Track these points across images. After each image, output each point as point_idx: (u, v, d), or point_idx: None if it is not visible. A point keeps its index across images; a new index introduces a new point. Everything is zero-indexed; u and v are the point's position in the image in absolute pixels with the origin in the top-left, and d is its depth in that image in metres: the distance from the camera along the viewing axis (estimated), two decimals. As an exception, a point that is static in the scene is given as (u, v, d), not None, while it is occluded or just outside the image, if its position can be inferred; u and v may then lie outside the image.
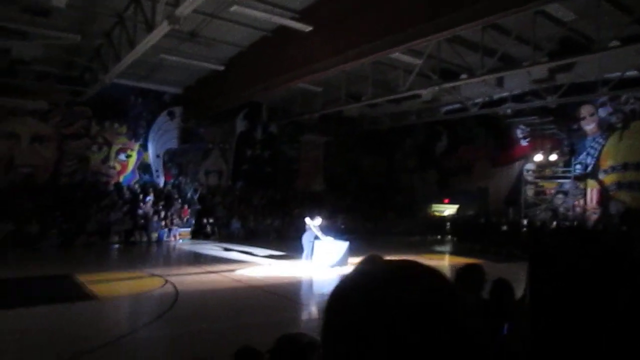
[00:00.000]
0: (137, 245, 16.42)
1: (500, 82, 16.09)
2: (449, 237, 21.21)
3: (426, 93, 14.43)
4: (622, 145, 18.18)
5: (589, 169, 19.21)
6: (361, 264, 0.89)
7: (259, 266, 12.73)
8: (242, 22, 12.29)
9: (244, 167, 22.66)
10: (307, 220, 12.90)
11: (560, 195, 20.22)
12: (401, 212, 23.59)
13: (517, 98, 17.28)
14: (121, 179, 19.19)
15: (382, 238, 19.05)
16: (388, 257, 2.35)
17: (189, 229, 18.42)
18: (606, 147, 18.71)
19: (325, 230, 13.27)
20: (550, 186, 20.81)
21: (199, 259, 14.31)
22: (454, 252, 17.33)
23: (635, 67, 14.01)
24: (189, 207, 18.99)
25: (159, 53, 13.91)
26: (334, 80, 15.80)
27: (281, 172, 23.72)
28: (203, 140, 21.46)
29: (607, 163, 18.61)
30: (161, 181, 20.24)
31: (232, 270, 11.83)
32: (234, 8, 10.95)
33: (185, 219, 18.51)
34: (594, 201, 18.93)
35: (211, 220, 19.21)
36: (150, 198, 18.18)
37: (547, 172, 20.84)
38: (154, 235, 17.13)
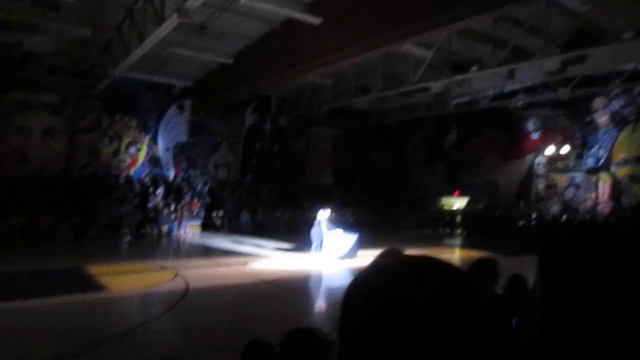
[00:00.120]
0: (148, 238, 16.56)
1: (511, 75, 15.88)
2: (459, 230, 21.13)
3: (436, 86, 14.33)
4: (635, 138, 17.95)
5: (601, 162, 18.99)
6: (379, 257, 0.89)
7: (268, 259, 12.78)
8: (251, 14, 12.26)
9: (253, 161, 22.71)
10: (320, 213, 12.91)
11: (571, 189, 20.03)
12: (410, 206, 23.54)
13: (528, 90, 17.09)
14: (131, 172, 19.33)
15: (391, 231, 19.02)
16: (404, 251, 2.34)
17: (199, 222, 18.54)
18: (619, 140, 18.49)
19: (335, 223, 13.29)
20: (561, 179, 20.61)
21: (208, 252, 14.40)
22: (464, 246, 17.28)
23: (650, 59, 13.80)
24: (198, 200, 19.10)
25: (169, 46, 13.94)
26: (343, 73, 15.73)
27: (290, 166, 23.74)
28: (212, 134, 21.52)
29: (619, 156, 18.39)
30: (171, 174, 20.36)
31: (242, 263, 11.89)
32: (243, 1, 10.92)
33: (194, 212, 18.62)
34: (606, 195, 18.72)
35: (220, 213, 19.31)
36: (160, 191, 18.30)
37: (559, 165, 20.64)
38: (164, 228, 17.26)
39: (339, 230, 12.78)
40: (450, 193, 23.69)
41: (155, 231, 17.05)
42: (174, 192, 18.90)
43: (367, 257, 11.48)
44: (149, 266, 11.21)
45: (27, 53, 14.70)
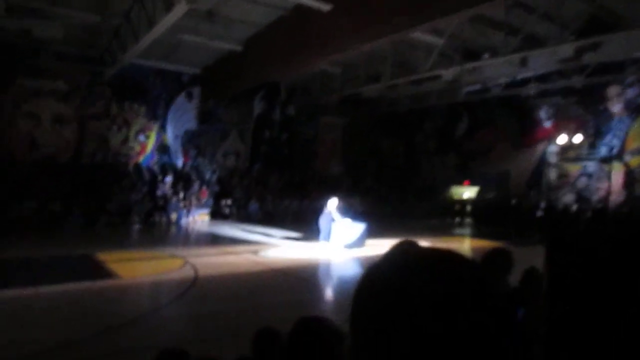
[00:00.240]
0: (157, 226, 16.65)
1: (524, 62, 15.66)
2: (469, 219, 21.01)
3: (447, 74, 14.16)
4: (649, 127, 17.67)
5: (615, 151, 18.73)
6: (392, 249, 0.86)
7: (277, 247, 12.80)
8: (259, 1, 12.15)
9: (262, 149, 22.68)
10: (329, 202, 12.88)
11: (583, 178, 19.79)
12: (420, 195, 23.43)
13: (541, 78, 16.84)
14: (140, 160, 19.38)
15: (401, 220, 18.96)
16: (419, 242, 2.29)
17: (208, 210, 18.60)
18: (633, 129, 18.20)
19: (343, 212, 13.25)
20: (574, 169, 20.37)
21: (217, 240, 14.45)
22: (474, 235, 17.20)
23: (667, 46, 13.51)
24: (207, 189, 19.14)
25: (178, 33, 13.88)
26: (353, 61, 15.59)
27: (299, 154, 23.67)
28: (221, 122, 21.48)
29: (633, 145, 18.12)
30: (180, 162, 20.39)
31: (251, 252, 11.92)
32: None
33: (203, 201, 18.67)
34: (619, 184, 18.49)
35: (229, 202, 19.35)
36: (169, 179, 18.35)
37: (571, 154, 20.38)
38: (173, 216, 17.33)
39: (347, 220, 12.75)
40: (460, 182, 23.54)
41: (164, 219, 17.13)
42: (183, 181, 18.94)
43: (376, 246, 11.51)
44: (158, 254, 11.26)
45: (36, 40, 14.70)
